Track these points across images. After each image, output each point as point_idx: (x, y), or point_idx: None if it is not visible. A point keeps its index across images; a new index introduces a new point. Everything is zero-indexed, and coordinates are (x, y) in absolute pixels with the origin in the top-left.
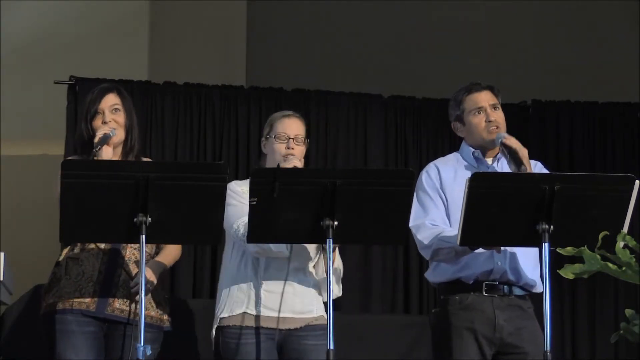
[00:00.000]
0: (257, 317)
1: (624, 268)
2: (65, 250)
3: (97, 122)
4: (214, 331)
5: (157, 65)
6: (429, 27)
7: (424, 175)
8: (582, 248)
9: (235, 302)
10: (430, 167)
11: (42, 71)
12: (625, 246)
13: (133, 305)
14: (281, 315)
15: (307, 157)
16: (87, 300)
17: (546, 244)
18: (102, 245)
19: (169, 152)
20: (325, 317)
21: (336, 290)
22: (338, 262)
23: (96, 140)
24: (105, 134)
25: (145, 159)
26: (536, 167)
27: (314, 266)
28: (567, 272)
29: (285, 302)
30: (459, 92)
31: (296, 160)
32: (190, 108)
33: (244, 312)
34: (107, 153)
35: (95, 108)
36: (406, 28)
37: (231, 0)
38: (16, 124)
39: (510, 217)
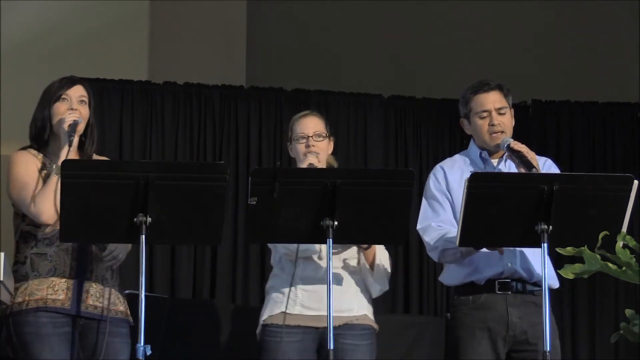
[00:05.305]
0: (296, 316)
1: (624, 268)
2: (25, 248)
3: (61, 107)
4: (258, 331)
5: (157, 65)
6: (429, 27)
7: (431, 178)
8: (582, 248)
9: (275, 303)
10: (437, 170)
11: (42, 71)
12: (625, 246)
13: (106, 302)
14: (319, 313)
15: None
16: (62, 297)
17: (545, 244)
18: None
19: (169, 152)
20: (369, 316)
21: (377, 290)
22: (384, 258)
23: (66, 127)
24: (74, 120)
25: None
26: (545, 164)
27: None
28: (567, 272)
29: (323, 300)
30: (467, 90)
31: (313, 157)
32: (190, 108)
33: (283, 312)
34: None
35: (61, 93)
36: (406, 28)
37: (231, 0)
38: (16, 124)
39: (509, 217)
